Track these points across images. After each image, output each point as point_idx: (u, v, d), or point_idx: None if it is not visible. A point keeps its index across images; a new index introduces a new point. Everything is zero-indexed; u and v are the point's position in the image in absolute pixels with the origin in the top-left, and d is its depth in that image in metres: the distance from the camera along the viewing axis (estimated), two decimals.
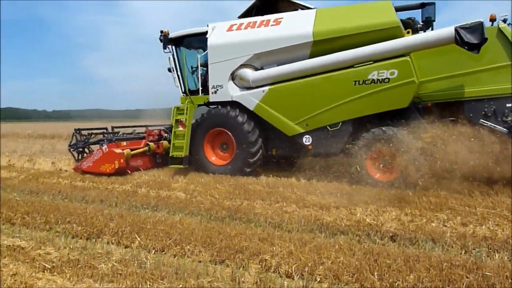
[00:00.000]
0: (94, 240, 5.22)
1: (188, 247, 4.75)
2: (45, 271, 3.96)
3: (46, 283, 3.67)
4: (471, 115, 8.06)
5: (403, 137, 8.04)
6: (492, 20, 8.03)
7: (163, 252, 4.73)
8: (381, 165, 8.36)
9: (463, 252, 4.63)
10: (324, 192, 7.57)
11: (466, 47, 7.60)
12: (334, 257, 4.30)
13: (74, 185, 8.87)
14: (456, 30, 7.61)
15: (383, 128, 8.33)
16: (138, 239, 5.07)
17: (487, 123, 7.85)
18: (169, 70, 10.97)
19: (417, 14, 9.29)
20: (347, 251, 4.50)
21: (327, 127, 9.00)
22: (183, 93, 10.84)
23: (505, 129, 7.68)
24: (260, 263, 4.28)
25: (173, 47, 10.86)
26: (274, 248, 4.62)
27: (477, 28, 7.51)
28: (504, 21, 8.00)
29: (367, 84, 8.48)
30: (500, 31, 7.85)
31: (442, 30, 7.99)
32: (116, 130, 12.47)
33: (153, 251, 4.76)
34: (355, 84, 8.57)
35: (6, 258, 4.28)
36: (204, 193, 7.84)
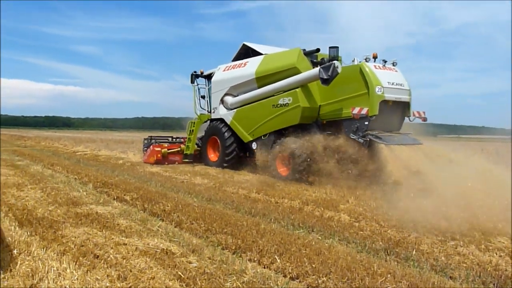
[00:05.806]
0: (239, 255, 5.22)
1: (324, 278, 4.31)
2: (177, 280, 4.09)
3: None
4: (346, 130, 10.99)
5: (294, 144, 11.40)
6: (374, 57, 10.97)
7: (297, 280, 4.40)
8: (283, 164, 11.81)
9: None
10: None
11: (321, 82, 10.85)
12: None
13: (248, 196, 9.28)
14: (319, 69, 10.85)
15: (282, 138, 12.11)
16: (278, 260, 4.87)
17: (354, 137, 10.70)
18: (203, 97, 16.29)
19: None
20: None
21: (262, 136, 13.16)
22: (208, 112, 15.86)
23: (363, 141, 10.46)
24: None
25: (206, 80, 16.26)
26: None
27: (328, 67, 10.58)
28: (366, 60, 10.90)
29: (278, 107, 12.48)
30: (360, 68, 10.70)
31: (314, 69, 11.49)
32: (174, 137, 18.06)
33: (288, 276, 4.49)
34: (273, 107, 12.66)
35: (153, 261, 4.60)
36: (370, 218, 7.19)
